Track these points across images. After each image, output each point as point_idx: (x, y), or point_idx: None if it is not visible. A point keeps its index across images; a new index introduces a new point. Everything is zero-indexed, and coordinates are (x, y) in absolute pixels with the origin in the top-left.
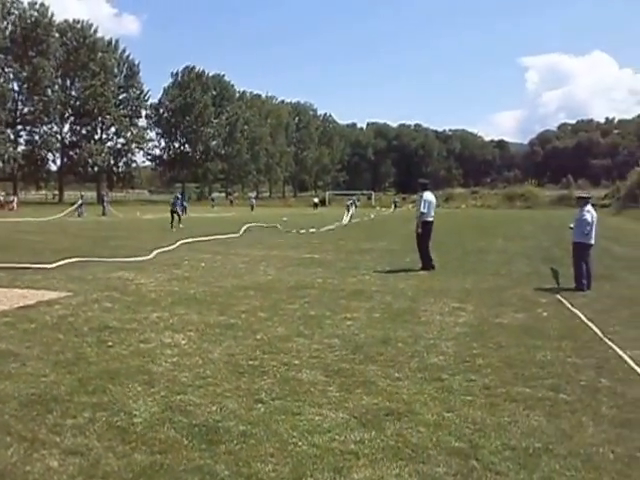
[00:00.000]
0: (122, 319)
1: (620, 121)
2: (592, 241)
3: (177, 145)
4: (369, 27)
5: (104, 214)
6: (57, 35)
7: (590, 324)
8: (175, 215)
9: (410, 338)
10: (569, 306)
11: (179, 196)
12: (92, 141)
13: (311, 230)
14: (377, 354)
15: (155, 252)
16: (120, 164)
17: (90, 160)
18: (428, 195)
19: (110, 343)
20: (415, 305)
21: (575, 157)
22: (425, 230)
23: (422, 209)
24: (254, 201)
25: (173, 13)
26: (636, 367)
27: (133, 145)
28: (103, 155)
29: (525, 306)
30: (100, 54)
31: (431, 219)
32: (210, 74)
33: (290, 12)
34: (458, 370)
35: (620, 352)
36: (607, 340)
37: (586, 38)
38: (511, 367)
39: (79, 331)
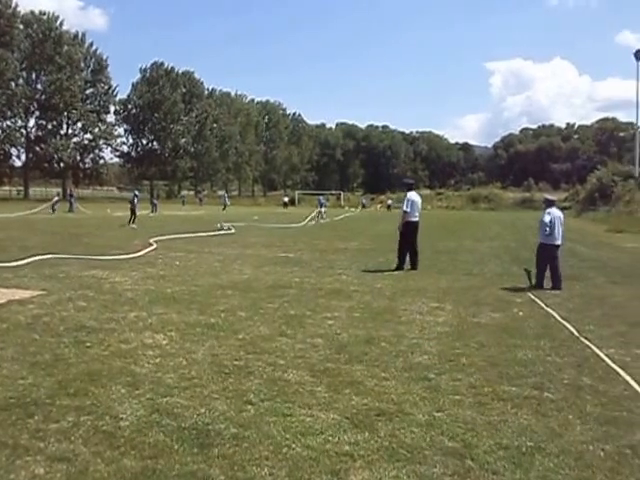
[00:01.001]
0: (99, 319)
1: (580, 126)
2: (557, 242)
3: (145, 142)
4: (339, 29)
5: (71, 211)
6: (21, 27)
7: (565, 323)
8: (132, 213)
9: (393, 337)
10: (543, 306)
11: (137, 194)
12: (58, 136)
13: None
14: (362, 354)
15: (145, 250)
16: (87, 160)
17: (56, 156)
18: (412, 195)
19: (89, 344)
20: (394, 304)
21: (537, 161)
22: (407, 230)
23: (405, 208)
24: (227, 200)
25: (141, 7)
26: (614, 366)
27: (101, 141)
28: (69, 151)
29: (501, 306)
30: (66, 47)
31: (415, 219)
32: (179, 71)
33: (260, 12)
34: (444, 369)
35: (597, 351)
36: (583, 339)
37: (548, 45)
38: (494, 366)
39: (55, 331)
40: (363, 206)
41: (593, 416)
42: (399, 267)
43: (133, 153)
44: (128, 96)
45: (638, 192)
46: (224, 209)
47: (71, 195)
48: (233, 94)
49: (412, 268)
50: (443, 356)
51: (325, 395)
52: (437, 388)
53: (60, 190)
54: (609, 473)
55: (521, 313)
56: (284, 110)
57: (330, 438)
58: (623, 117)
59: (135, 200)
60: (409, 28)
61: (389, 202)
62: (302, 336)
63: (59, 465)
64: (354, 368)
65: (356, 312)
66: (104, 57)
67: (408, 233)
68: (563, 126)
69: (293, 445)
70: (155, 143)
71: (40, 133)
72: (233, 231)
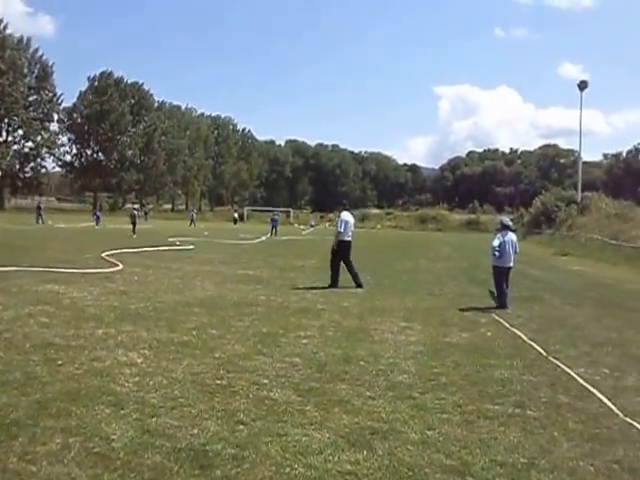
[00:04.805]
0: (65, 336)
1: (523, 152)
2: (507, 264)
3: (90, 152)
4: (291, 47)
5: (37, 222)
6: None
7: (532, 344)
8: (133, 225)
9: (370, 357)
10: (508, 326)
11: (135, 207)
12: None
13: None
14: (342, 372)
15: (121, 266)
16: (27, 169)
17: None
18: (345, 215)
19: (60, 362)
20: (364, 324)
21: (481, 183)
22: (340, 249)
23: (339, 228)
24: (195, 215)
25: (91, 15)
26: (586, 385)
27: (43, 150)
28: (8, 159)
29: (468, 326)
30: (9, 52)
31: (348, 239)
32: (129, 81)
33: (212, 28)
34: (426, 388)
35: (568, 370)
36: (552, 359)
37: (494, 73)
38: (474, 385)
39: (21, 348)
40: (311, 226)
41: (576, 433)
42: (333, 285)
43: (76, 163)
44: (74, 105)
45: (580, 217)
46: (192, 225)
47: (39, 207)
48: (183, 107)
49: (357, 286)
50: (422, 375)
51: (315, 414)
52: (423, 407)
53: None
54: None
55: (489, 333)
56: (234, 125)
57: (330, 457)
58: (564, 144)
59: (136, 214)
60: (361, 48)
61: None
62: (279, 355)
63: None
64: (338, 387)
65: (328, 331)
66: (50, 63)
67: (341, 251)
68: (507, 151)
69: (295, 465)
70: (100, 154)
71: None
72: (192, 247)
